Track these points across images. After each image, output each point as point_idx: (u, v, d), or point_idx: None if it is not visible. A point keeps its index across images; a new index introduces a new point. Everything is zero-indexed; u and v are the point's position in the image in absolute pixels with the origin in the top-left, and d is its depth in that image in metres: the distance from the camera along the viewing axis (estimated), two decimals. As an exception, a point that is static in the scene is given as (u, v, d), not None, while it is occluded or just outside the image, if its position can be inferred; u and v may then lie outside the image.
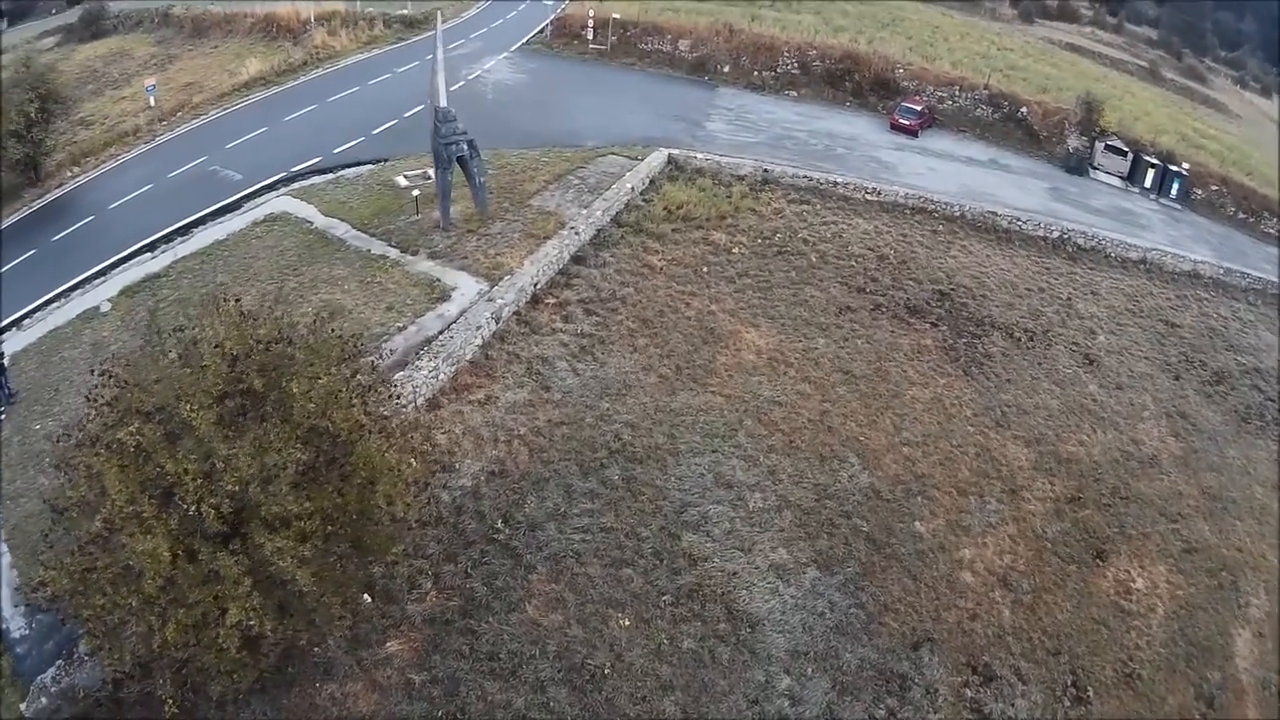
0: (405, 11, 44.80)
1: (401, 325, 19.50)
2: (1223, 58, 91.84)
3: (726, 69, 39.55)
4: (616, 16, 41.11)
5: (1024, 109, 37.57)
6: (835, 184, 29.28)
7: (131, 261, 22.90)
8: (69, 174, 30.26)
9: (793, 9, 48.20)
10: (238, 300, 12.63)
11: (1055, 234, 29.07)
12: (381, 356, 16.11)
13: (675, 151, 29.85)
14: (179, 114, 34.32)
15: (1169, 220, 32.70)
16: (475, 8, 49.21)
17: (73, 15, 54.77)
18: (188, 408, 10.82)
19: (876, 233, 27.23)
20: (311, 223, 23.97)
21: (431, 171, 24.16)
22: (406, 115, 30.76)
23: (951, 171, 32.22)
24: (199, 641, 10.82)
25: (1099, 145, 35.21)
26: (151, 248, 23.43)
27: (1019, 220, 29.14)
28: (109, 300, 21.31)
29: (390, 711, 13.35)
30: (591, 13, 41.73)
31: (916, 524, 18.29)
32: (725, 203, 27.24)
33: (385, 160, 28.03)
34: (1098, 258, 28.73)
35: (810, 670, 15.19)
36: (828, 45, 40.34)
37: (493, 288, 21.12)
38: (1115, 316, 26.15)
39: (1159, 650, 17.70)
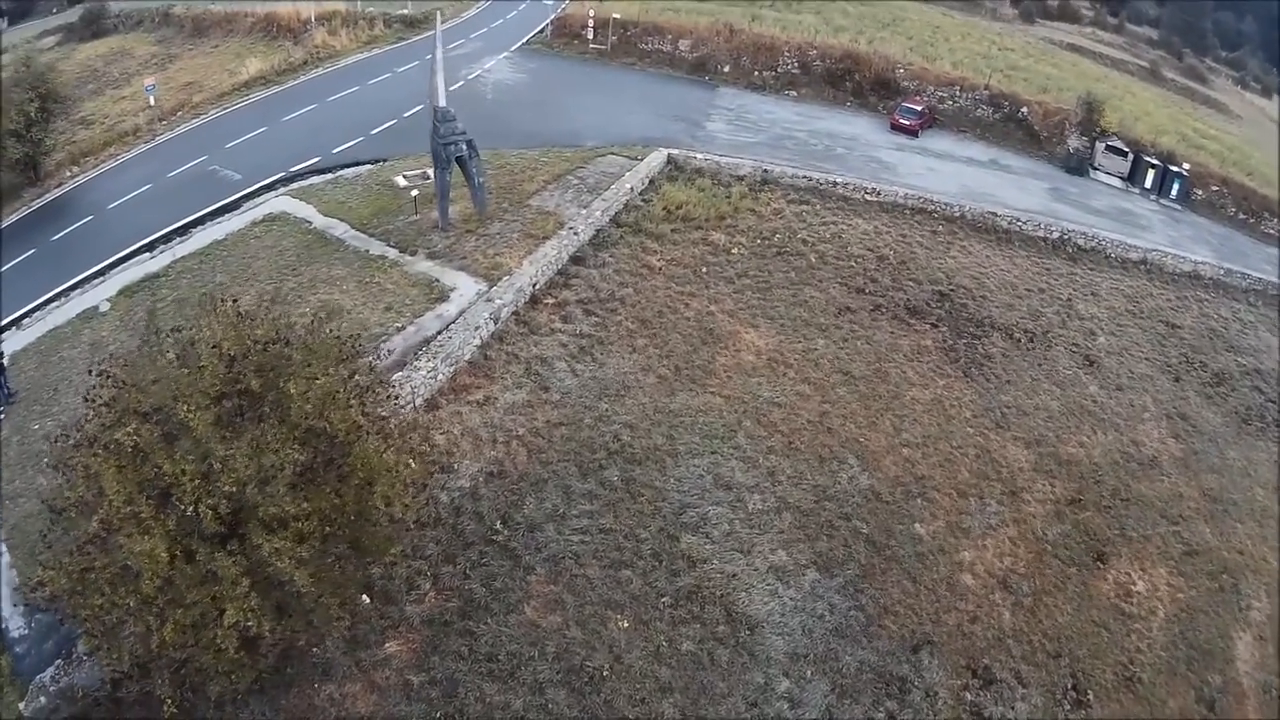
0: (405, 11, 44.79)
1: (400, 325, 19.48)
2: (1223, 58, 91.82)
3: (727, 69, 39.52)
4: (617, 16, 41.08)
5: (1024, 109, 37.53)
6: (835, 184, 29.25)
7: (131, 261, 22.91)
8: (68, 173, 30.27)
9: (793, 9, 48.16)
10: (235, 301, 12.61)
11: (1055, 234, 29.04)
12: (380, 357, 16.11)
13: (675, 151, 29.82)
14: (179, 113, 34.31)
15: (1169, 221, 32.65)
16: (475, 7, 49.19)
17: (73, 14, 54.78)
18: (185, 408, 10.81)
19: (876, 233, 27.19)
20: (310, 223, 23.95)
21: (430, 171, 24.13)
22: (406, 115, 30.74)
23: (952, 172, 32.18)
24: (197, 642, 10.82)
25: (1099, 145, 35.17)
26: (150, 248, 23.44)
27: (1019, 221, 29.10)
28: (108, 300, 21.31)
29: (388, 712, 13.34)
30: (592, 13, 41.70)
31: (916, 526, 18.26)
32: (725, 203, 27.21)
33: (384, 160, 28.02)
34: (1098, 258, 28.69)
35: (809, 673, 15.16)
36: (828, 45, 40.31)
37: (491, 288, 21.09)
38: (1115, 317, 26.12)
39: (1159, 653, 17.68)
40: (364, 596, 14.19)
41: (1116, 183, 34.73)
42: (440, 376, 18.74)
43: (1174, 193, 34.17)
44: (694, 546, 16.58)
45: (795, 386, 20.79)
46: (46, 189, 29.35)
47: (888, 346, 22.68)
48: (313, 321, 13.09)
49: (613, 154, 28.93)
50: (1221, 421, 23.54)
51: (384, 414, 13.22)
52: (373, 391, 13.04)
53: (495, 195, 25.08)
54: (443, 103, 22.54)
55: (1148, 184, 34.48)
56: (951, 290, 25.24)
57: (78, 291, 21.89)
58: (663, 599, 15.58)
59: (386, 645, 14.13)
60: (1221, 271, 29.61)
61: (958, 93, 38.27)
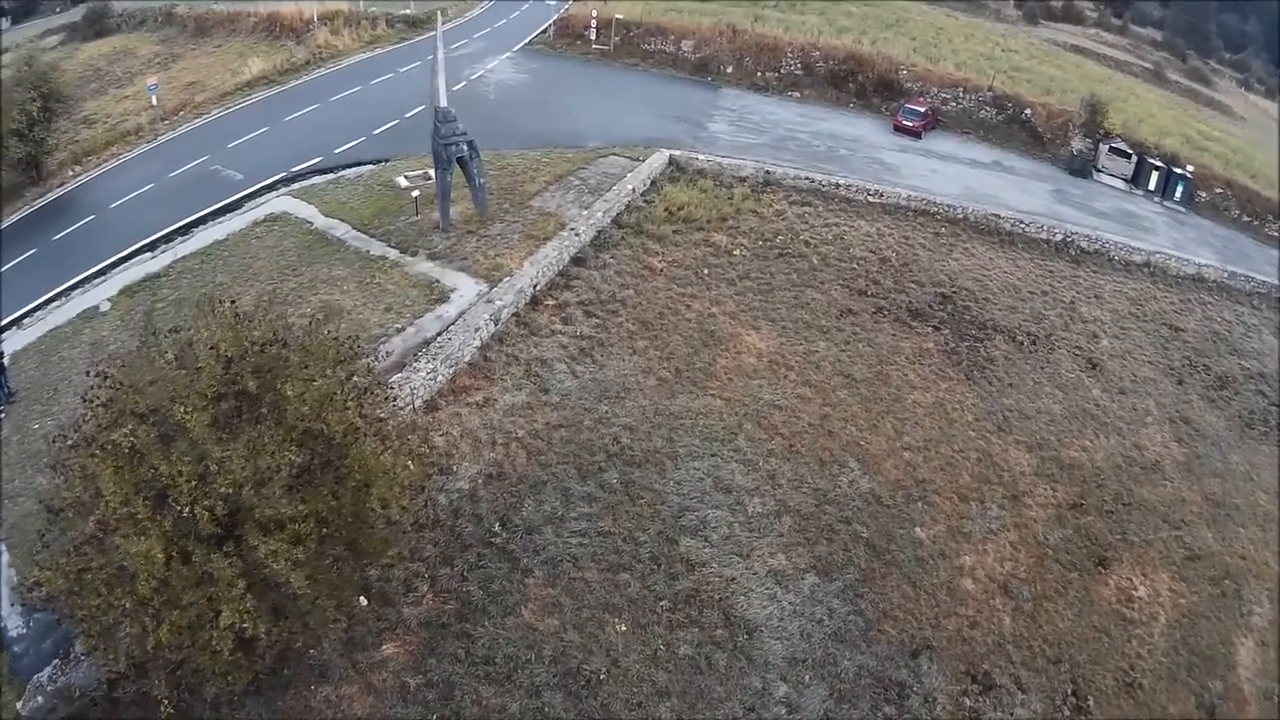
0: (408, 11, 44.82)
1: (400, 326, 19.45)
2: (1227, 60, 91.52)
3: (729, 70, 39.47)
4: (619, 17, 41.07)
5: (1028, 111, 37.41)
6: (837, 186, 29.18)
7: (131, 261, 22.92)
8: (70, 173, 30.31)
9: (796, 10, 48.09)
10: (233, 302, 12.59)
11: (1059, 237, 28.95)
12: (379, 358, 16.08)
13: (677, 152, 29.78)
14: (181, 113, 34.34)
15: (1173, 223, 32.52)
16: (478, 8, 49.21)
17: (76, 14, 54.82)
18: (182, 409, 10.80)
19: (879, 235, 27.12)
20: (311, 223, 23.95)
21: (432, 172, 24.12)
22: (408, 115, 30.74)
23: (955, 173, 32.09)
24: (193, 643, 10.79)
25: (1103, 147, 35.05)
26: (152, 247, 23.45)
27: (1022, 223, 29.01)
28: (109, 300, 21.31)
29: (385, 714, 13.31)
30: (594, 13, 41.70)
31: (917, 530, 18.19)
32: (726, 204, 27.16)
33: (386, 161, 28.02)
34: (1101, 261, 28.59)
35: (808, 677, 15.10)
36: (831, 46, 40.23)
37: (492, 289, 21.06)
38: (1118, 320, 26.02)
39: (1160, 659, 17.58)
40: (361, 598, 14.17)
41: (1120, 185, 34.61)
42: (440, 378, 18.71)
43: (1177, 195, 34.05)
44: (693, 550, 16.52)
45: (796, 389, 20.73)
46: (48, 188, 29.40)
47: (889, 349, 22.61)
48: (311, 323, 13.06)
49: (614, 155, 28.89)
50: (1224, 425, 23.43)
51: (382, 415, 13.20)
52: (371, 393, 13.02)
53: (496, 196, 25.06)
54: (444, 103, 22.53)
55: (1151, 186, 34.35)
56: (954, 292, 25.16)
57: (78, 291, 21.91)
58: (661, 602, 15.53)
59: (383, 647, 14.10)
60: (1225, 274, 29.48)
61: (961, 94, 38.18)
